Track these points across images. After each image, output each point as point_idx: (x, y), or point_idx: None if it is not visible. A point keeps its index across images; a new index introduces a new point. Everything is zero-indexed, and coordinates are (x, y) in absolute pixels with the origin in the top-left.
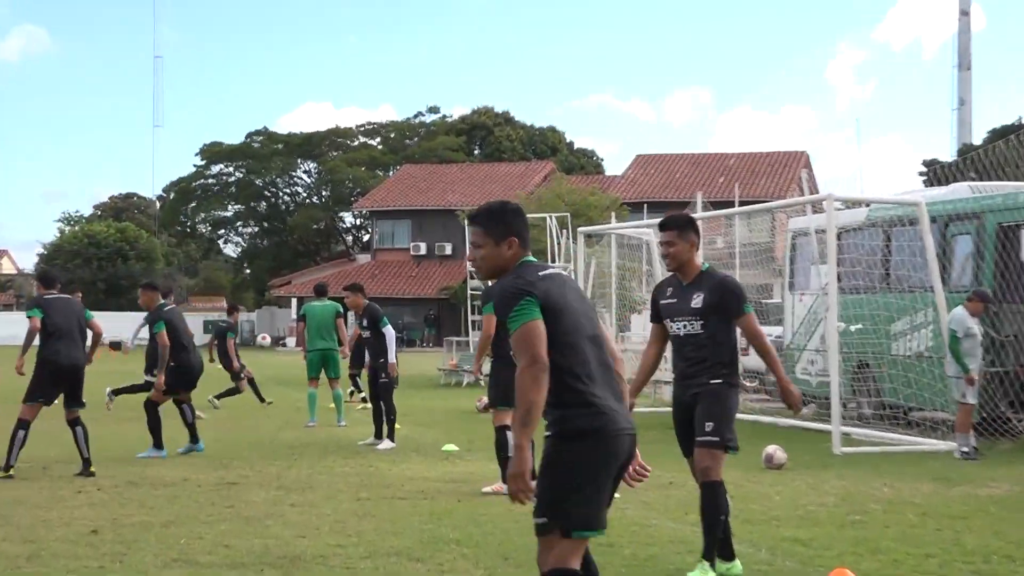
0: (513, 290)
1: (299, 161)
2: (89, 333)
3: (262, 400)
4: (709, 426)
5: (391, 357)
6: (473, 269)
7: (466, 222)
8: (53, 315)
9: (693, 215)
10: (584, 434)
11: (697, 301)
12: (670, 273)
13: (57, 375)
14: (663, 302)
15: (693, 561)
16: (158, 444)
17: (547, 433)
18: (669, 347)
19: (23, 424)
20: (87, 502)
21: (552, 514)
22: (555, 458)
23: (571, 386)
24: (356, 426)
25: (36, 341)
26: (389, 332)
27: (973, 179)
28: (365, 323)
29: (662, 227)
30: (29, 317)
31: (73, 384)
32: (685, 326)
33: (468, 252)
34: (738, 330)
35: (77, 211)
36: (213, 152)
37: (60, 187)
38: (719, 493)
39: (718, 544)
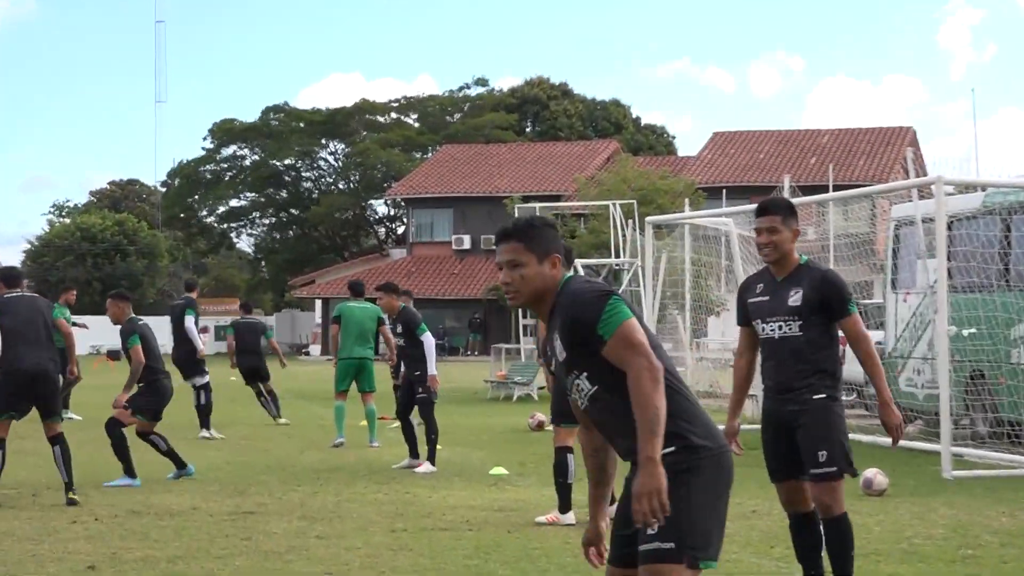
0: (593, 293)
1: (323, 141)
2: (73, 343)
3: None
4: (823, 456)
5: (431, 368)
6: (507, 294)
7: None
8: (13, 316)
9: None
10: (706, 449)
11: (795, 298)
12: (760, 268)
13: (21, 383)
14: (752, 300)
15: None
16: (129, 471)
17: (668, 448)
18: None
19: None
20: (83, 534)
21: (684, 540)
22: (685, 476)
23: (681, 394)
24: (391, 447)
25: None
26: (428, 340)
27: None
28: (399, 329)
29: (763, 211)
30: None
31: (43, 393)
32: (780, 327)
33: (502, 275)
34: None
35: (68, 200)
36: (225, 131)
37: (48, 173)
38: (847, 525)
39: None
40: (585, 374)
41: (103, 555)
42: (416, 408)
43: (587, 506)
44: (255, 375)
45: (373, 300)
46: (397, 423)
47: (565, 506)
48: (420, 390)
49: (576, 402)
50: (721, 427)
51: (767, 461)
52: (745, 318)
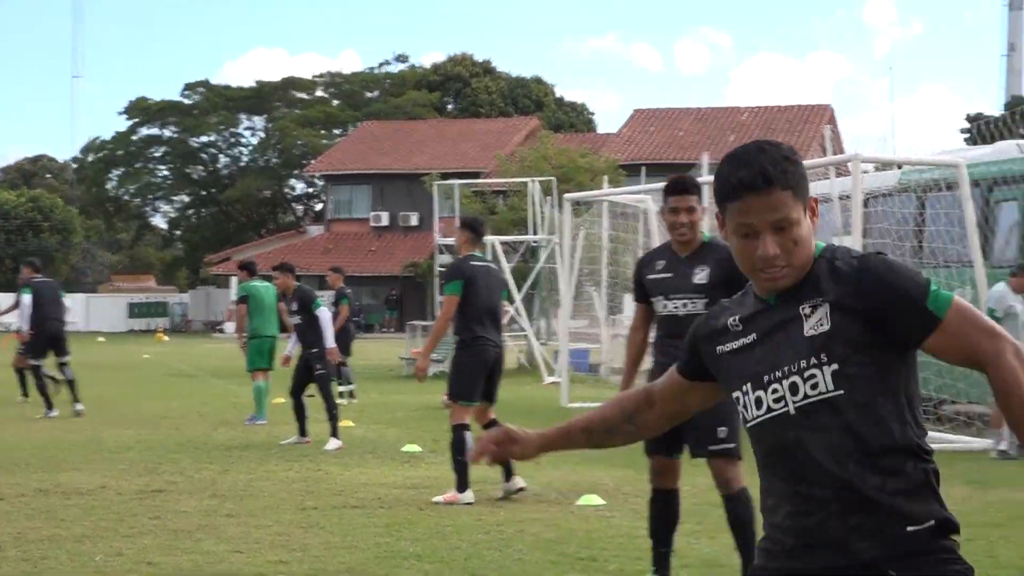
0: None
1: (243, 117)
2: None
3: (25, 395)
4: (723, 432)
5: (329, 342)
6: (774, 270)
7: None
8: None
9: (699, 179)
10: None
11: (701, 276)
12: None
13: None
14: (652, 277)
15: None
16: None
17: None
18: None
19: None
20: None
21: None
22: None
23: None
24: (312, 424)
25: None
26: (324, 314)
27: (1023, 136)
28: (295, 307)
29: (681, 190)
30: None
31: None
32: (686, 304)
33: (768, 245)
34: None
35: None
36: (140, 109)
37: None
38: (747, 499)
39: (665, 557)
40: (834, 367)
41: (8, 535)
42: (313, 385)
43: (486, 483)
44: (57, 344)
45: (269, 278)
46: (348, 400)
47: (463, 484)
48: (319, 367)
49: (768, 407)
50: (596, 404)
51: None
52: (643, 294)
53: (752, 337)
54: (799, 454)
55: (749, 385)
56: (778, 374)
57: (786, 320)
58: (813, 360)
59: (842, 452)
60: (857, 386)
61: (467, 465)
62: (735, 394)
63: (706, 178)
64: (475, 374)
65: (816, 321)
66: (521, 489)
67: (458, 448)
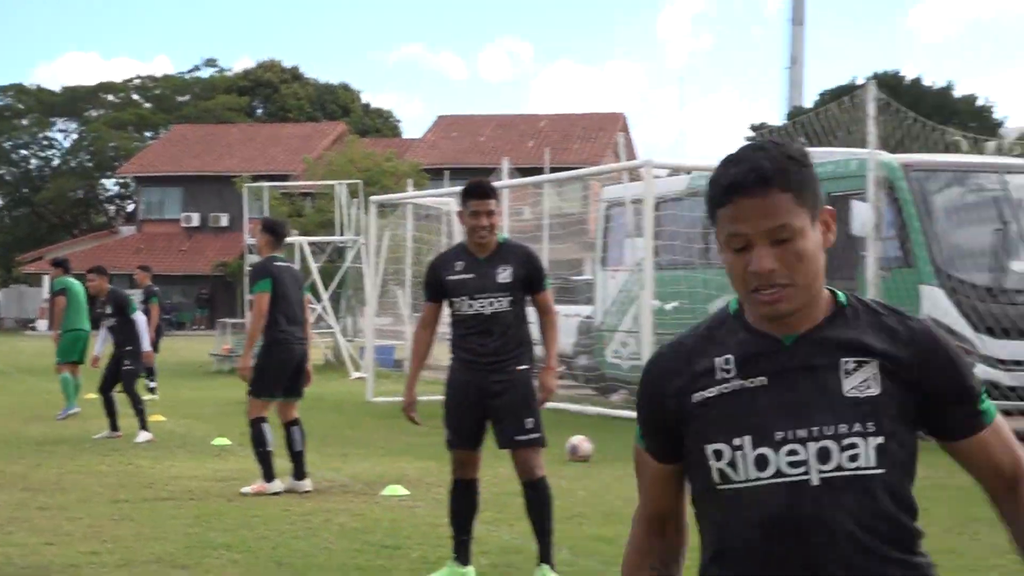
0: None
1: (56, 120)
2: None
3: None
4: (530, 423)
5: (145, 346)
6: (772, 291)
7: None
8: None
9: (499, 183)
10: None
11: (505, 275)
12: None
13: None
14: (453, 278)
15: (487, 564)
16: None
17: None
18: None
19: None
20: None
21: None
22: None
23: None
24: (123, 419)
25: None
26: (140, 319)
27: (802, 144)
28: (110, 310)
29: (481, 194)
30: None
31: None
32: (492, 303)
33: (762, 259)
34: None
35: None
36: None
37: None
38: (547, 486)
39: (465, 545)
40: (879, 441)
41: None
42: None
43: (291, 474)
44: None
45: (82, 277)
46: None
47: (269, 475)
48: (127, 363)
49: (777, 471)
50: (399, 399)
51: (452, 430)
52: (439, 294)
53: (759, 381)
54: (816, 536)
55: (748, 439)
56: (801, 433)
57: (814, 368)
58: (857, 427)
59: (876, 539)
60: (895, 468)
61: (271, 455)
62: (715, 446)
63: (505, 182)
64: (279, 372)
65: (861, 381)
66: (307, 491)
67: (258, 440)
